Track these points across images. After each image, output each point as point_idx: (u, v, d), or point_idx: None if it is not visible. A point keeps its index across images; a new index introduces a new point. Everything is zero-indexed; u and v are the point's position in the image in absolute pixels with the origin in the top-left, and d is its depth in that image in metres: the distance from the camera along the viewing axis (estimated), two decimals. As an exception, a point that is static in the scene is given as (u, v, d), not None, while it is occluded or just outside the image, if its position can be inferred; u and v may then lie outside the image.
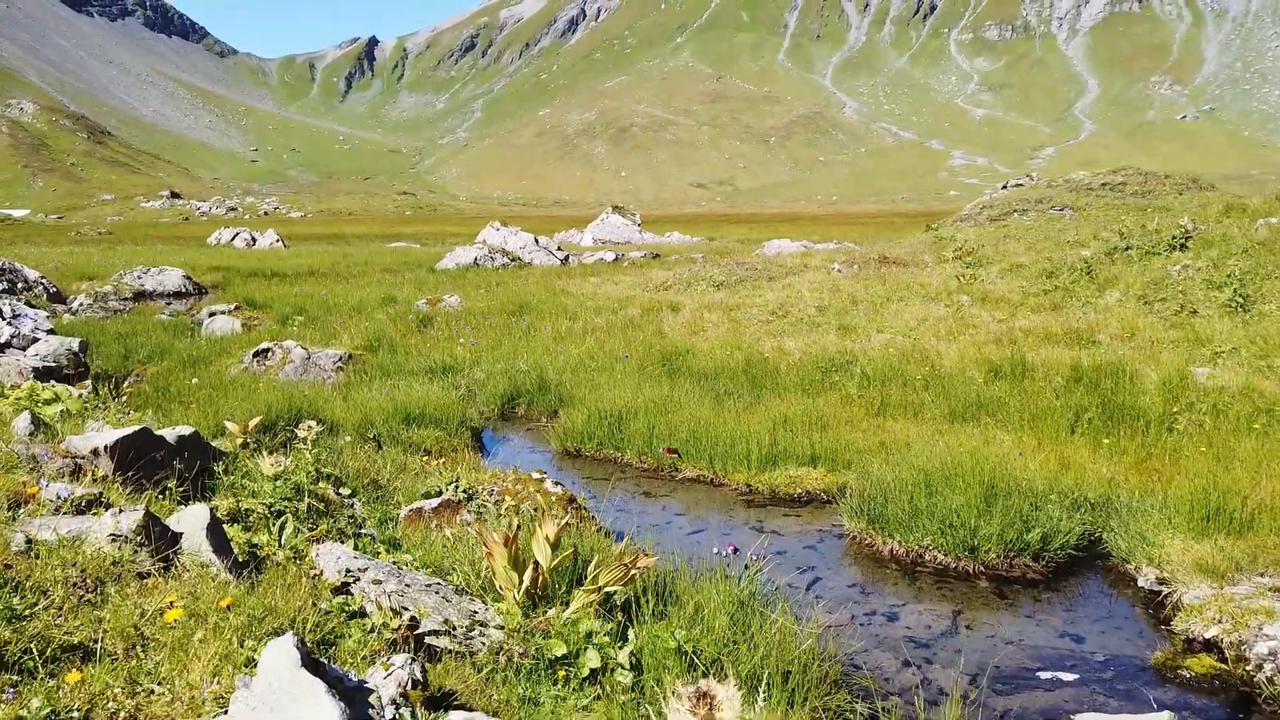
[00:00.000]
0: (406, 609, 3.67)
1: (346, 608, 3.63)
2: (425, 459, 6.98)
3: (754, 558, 4.12)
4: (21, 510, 3.89)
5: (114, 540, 3.56)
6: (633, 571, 4.06)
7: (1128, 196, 23.09)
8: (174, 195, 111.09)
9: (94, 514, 3.90)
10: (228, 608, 2.98)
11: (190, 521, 3.89)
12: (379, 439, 7.61)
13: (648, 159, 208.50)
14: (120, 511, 3.67)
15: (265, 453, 5.59)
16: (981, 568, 5.30)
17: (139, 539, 3.62)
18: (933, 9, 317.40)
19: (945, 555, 5.40)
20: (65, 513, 3.93)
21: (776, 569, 4.99)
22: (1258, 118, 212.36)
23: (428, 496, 5.82)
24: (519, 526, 4.25)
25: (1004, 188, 32.58)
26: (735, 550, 4.02)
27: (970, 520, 5.38)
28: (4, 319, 9.87)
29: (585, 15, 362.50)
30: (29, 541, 3.44)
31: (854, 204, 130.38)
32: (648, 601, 3.93)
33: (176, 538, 3.75)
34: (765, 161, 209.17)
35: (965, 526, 5.37)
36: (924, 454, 6.45)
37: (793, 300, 13.51)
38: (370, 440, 7.50)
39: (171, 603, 2.99)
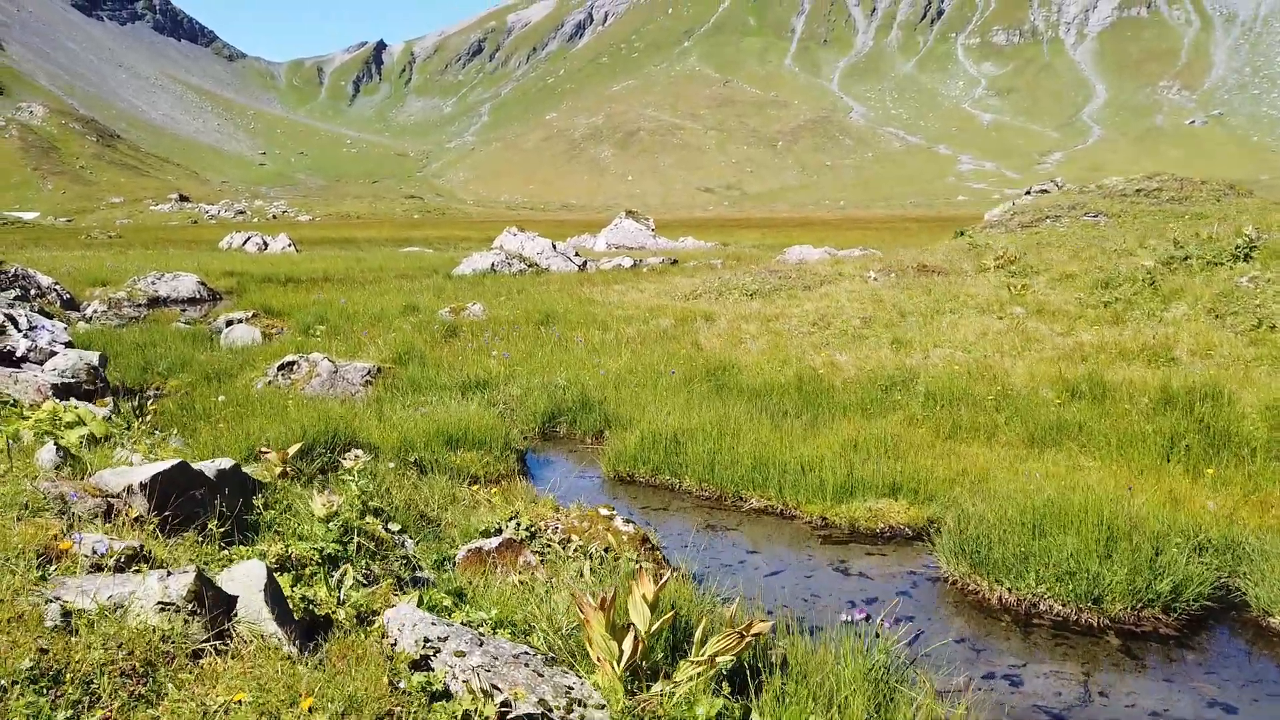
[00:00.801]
0: (498, 689, 3.18)
1: (429, 688, 3.14)
2: (474, 488, 6.49)
3: (884, 625, 3.61)
4: (53, 567, 3.41)
5: (162, 609, 3.07)
6: (747, 639, 3.56)
7: (1164, 203, 22.52)
8: (183, 198, 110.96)
9: (136, 571, 3.41)
10: (310, 709, 2.48)
11: (244, 581, 3.40)
12: (421, 464, 7.13)
13: (655, 163, 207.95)
14: (169, 574, 3.18)
15: (316, 488, 5.11)
16: (1106, 621, 4.79)
17: (190, 606, 3.13)
18: (940, 14, 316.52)
19: (1063, 606, 4.88)
20: (104, 569, 3.45)
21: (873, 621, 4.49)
22: (1267, 123, 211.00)
23: (486, 535, 5.33)
24: (612, 585, 3.77)
25: (1028, 193, 32.02)
26: (867, 617, 3.51)
27: (1091, 566, 4.86)
28: (20, 331, 9.42)
29: (592, 20, 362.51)
30: (65, 614, 2.96)
31: (863, 209, 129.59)
32: (768, 675, 3.43)
33: (232, 603, 3.26)
34: (773, 166, 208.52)
35: (1085, 573, 4.85)
36: (1019, 487, 5.94)
37: (834, 311, 12.99)
38: (412, 465, 7.02)
39: (240, 700, 2.50)
